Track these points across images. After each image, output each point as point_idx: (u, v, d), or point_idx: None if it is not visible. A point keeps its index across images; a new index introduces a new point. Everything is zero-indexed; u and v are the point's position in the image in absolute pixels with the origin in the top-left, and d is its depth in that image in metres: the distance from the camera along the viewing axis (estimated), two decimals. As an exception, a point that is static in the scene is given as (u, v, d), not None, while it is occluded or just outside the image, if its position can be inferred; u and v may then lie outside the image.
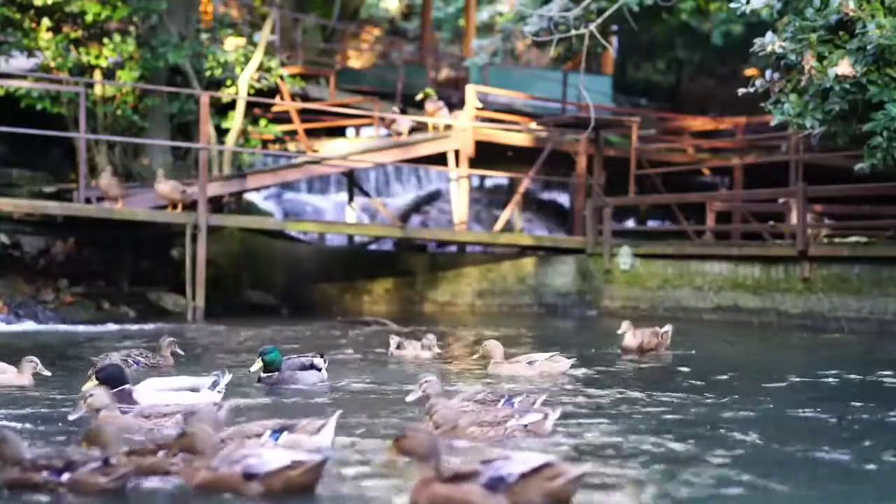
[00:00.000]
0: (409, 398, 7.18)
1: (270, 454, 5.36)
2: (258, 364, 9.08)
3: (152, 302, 18.21)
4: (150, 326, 15.27)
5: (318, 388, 9.03)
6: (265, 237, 21.38)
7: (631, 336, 11.73)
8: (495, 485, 4.65)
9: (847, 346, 13.86)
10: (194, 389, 8.06)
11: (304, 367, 9.18)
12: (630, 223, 23.74)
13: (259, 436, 6.03)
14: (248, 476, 5.22)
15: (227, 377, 8.29)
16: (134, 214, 17.03)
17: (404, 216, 24.58)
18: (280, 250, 21.75)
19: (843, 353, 13.10)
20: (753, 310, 16.83)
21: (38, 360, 8.90)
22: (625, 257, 18.65)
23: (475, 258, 21.20)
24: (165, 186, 17.14)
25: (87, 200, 17.07)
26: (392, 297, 20.93)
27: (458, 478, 4.73)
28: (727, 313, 17.15)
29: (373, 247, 23.43)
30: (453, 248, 22.85)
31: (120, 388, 7.88)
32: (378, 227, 21.88)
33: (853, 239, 16.76)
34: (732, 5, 12.51)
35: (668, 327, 12.12)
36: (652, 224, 24.79)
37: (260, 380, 9.11)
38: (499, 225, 21.14)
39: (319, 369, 9.25)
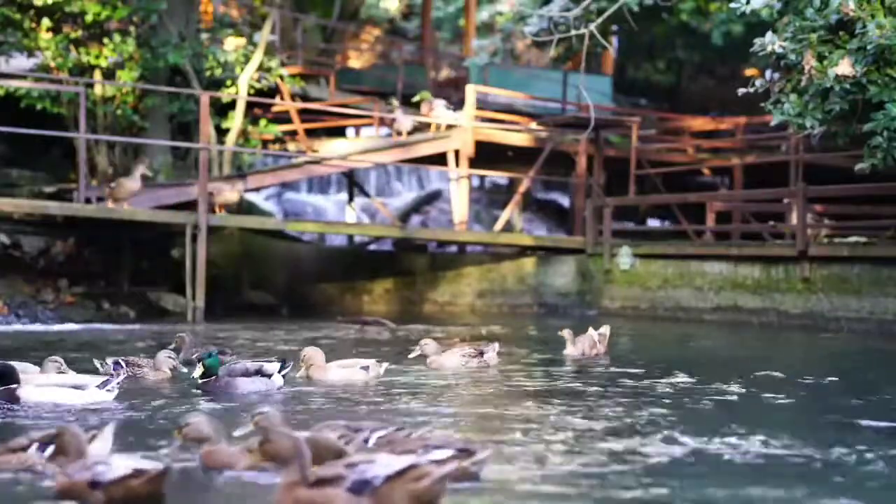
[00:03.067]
0: (237, 433, 6.37)
1: (119, 461, 5.17)
2: (199, 370, 8.69)
3: (152, 302, 18.21)
4: (150, 327, 15.26)
5: (260, 395, 8.42)
6: (265, 237, 21.39)
7: (571, 345, 11.53)
8: (360, 488, 4.57)
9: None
10: (79, 387, 7.99)
11: (246, 373, 8.70)
12: (630, 223, 23.74)
13: (25, 448, 5.70)
14: (94, 484, 5.04)
15: (122, 376, 8.25)
16: (134, 214, 17.02)
17: (404, 216, 24.59)
18: (280, 250, 21.75)
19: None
20: (753, 310, 16.83)
21: (62, 360, 8.83)
22: (625, 257, 18.65)
23: (475, 258, 21.20)
24: (234, 195, 17.99)
25: (88, 200, 17.06)
26: (392, 297, 20.93)
27: (322, 482, 4.65)
28: (727, 313, 17.15)
29: (373, 247, 23.43)
30: (453, 248, 22.85)
31: (5, 386, 7.87)
32: (378, 227, 21.88)
33: (853, 239, 16.76)
34: (732, 5, 12.53)
35: (604, 329, 11.76)
36: (652, 224, 24.79)
37: (198, 386, 8.67)
38: (499, 225, 21.15)
39: (269, 376, 8.75)
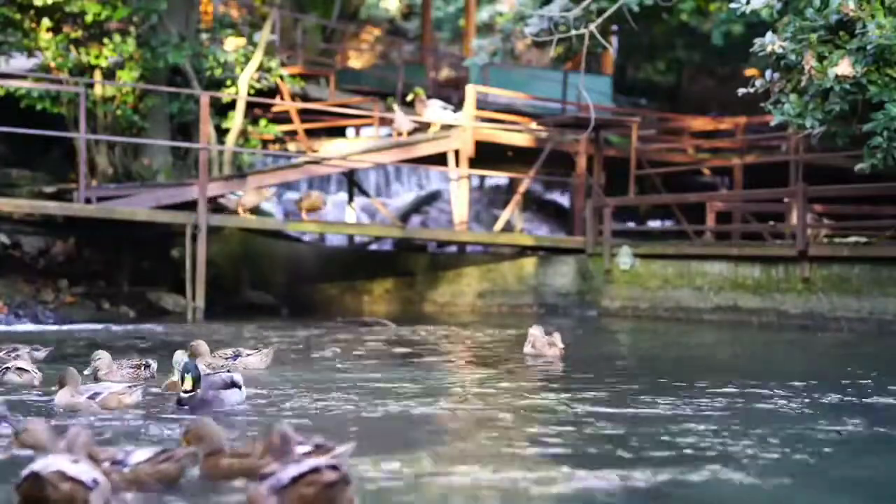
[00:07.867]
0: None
1: (43, 462, 4.91)
2: (189, 382, 7.79)
3: (152, 302, 18.21)
4: (149, 327, 15.26)
5: (240, 408, 7.99)
6: (265, 237, 21.39)
7: (554, 347, 11.42)
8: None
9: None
10: None
11: (225, 386, 8.06)
12: (630, 223, 23.73)
13: None
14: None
15: None
16: (134, 214, 17.03)
17: (404, 216, 24.58)
18: (280, 250, 21.75)
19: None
20: (753, 310, 16.82)
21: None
22: (625, 257, 18.64)
23: (475, 258, 21.19)
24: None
25: (88, 200, 17.07)
26: (392, 297, 20.92)
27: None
28: (727, 313, 17.15)
29: (373, 247, 23.43)
30: (453, 248, 22.84)
31: None
32: (378, 227, 21.88)
33: (853, 239, 16.76)
34: (732, 5, 12.54)
35: (534, 329, 11.68)
36: (652, 224, 24.79)
37: (180, 400, 7.83)
38: (499, 225, 21.14)
39: (240, 387, 8.14)
